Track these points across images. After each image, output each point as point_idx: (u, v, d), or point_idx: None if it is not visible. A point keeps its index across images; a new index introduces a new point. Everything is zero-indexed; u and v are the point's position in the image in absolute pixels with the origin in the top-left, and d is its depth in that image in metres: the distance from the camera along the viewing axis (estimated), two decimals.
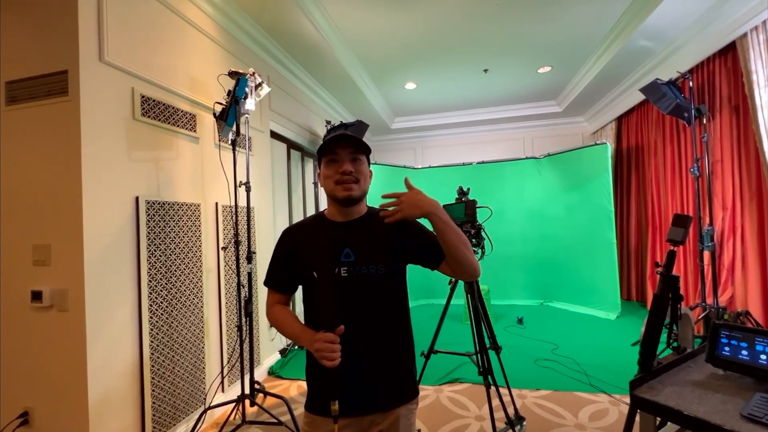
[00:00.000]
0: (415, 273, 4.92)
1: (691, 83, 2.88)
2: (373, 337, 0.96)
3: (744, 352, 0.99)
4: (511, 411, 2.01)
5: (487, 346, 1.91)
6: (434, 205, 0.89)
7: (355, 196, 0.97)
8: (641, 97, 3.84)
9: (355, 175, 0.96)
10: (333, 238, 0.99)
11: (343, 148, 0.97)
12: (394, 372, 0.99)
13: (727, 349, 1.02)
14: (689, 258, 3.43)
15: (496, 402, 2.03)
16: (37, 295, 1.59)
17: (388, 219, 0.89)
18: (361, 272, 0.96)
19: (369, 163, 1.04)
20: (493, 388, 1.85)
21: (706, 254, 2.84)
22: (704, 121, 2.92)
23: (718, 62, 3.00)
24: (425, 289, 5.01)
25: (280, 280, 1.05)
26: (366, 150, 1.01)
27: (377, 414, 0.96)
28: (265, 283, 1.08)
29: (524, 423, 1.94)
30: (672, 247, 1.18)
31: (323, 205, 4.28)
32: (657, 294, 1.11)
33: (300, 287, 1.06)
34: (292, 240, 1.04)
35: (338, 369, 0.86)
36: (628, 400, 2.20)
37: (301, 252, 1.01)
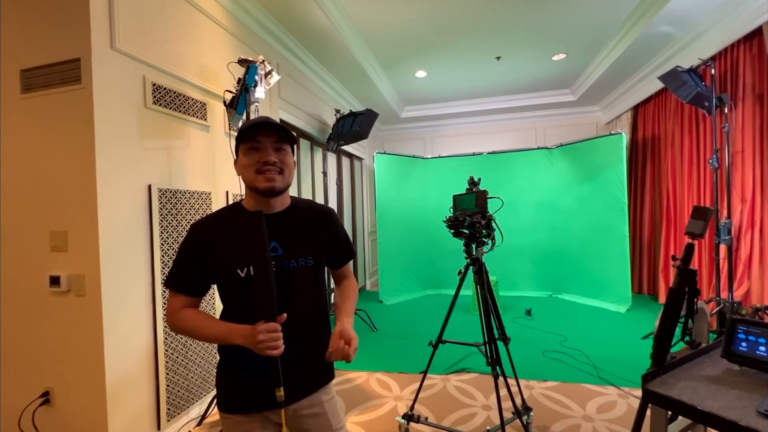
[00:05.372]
0: (425, 263, 4.87)
1: (713, 71, 2.78)
2: (299, 329, 0.95)
3: (762, 348, 0.97)
4: (518, 401, 2.01)
5: (496, 336, 1.91)
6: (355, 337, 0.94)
7: (279, 187, 0.93)
8: (659, 85, 3.72)
9: (279, 165, 0.92)
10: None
11: (265, 136, 0.91)
12: (315, 360, 0.99)
13: (744, 344, 1.00)
14: (704, 251, 3.36)
15: (503, 392, 2.04)
16: (55, 280, 1.64)
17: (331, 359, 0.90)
18: (290, 266, 0.95)
19: (293, 154, 1.00)
20: (500, 378, 1.86)
21: (723, 248, 2.78)
22: (725, 111, 2.82)
23: (743, 49, 2.88)
24: (433, 280, 5.02)
25: (190, 280, 0.93)
26: (291, 140, 0.96)
27: (300, 401, 0.98)
28: (168, 285, 0.93)
29: (531, 413, 1.95)
30: (690, 240, 1.16)
31: (332, 194, 4.27)
32: (673, 288, 1.09)
33: (213, 288, 1.02)
34: (207, 235, 0.93)
35: (279, 356, 0.86)
36: (636, 392, 2.19)
37: (220, 248, 0.91)
